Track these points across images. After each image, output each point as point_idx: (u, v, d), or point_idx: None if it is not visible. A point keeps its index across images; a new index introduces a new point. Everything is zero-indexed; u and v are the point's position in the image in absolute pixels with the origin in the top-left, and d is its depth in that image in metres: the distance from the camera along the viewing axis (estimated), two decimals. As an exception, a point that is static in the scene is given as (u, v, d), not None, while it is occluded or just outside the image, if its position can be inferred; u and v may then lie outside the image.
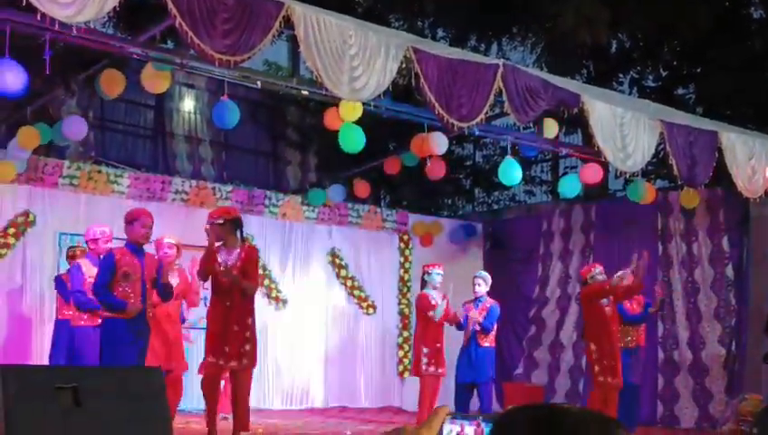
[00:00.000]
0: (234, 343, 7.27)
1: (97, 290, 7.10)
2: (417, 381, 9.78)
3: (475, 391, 9.79)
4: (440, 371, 9.69)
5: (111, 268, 6.97)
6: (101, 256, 7.67)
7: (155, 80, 8.32)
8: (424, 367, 9.50)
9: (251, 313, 7.45)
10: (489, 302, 10.20)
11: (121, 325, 6.87)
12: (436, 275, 9.93)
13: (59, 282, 9.10)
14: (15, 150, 9.76)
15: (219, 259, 7.42)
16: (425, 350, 9.62)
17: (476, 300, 10.19)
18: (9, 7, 6.96)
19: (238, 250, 7.50)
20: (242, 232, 7.77)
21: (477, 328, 9.80)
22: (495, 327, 10.11)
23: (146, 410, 4.75)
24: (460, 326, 9.86)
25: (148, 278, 7.12)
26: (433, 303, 9.58)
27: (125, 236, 7.47)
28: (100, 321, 7.47)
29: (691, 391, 11.49)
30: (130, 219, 7.17)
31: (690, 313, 11.72)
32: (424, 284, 9.99)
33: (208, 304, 7.62)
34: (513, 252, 14.33)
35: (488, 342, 10.02)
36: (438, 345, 9.68)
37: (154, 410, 4.79)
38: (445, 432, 1.35)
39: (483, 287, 10.19)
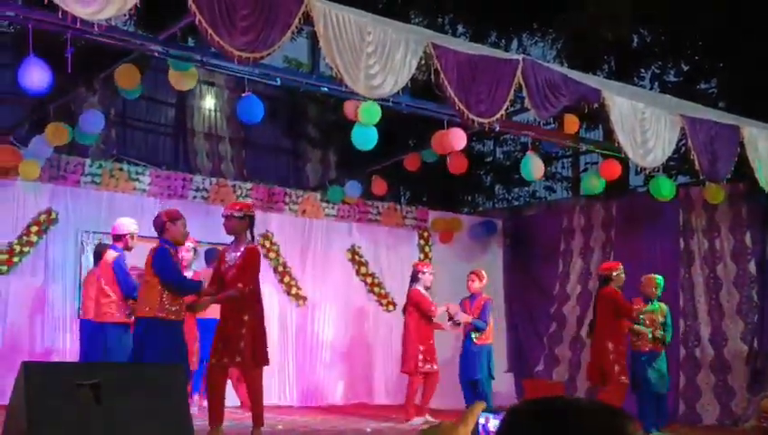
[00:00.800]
0: (228, 340, 7.25)
1: (181, 280, 7.25)
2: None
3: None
4: (435, 367, 9.95)
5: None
6: (155, 251, 7.40)
7: (182, 77, 8.36)
8: (420, 364, 9.73)
9: (248, 310, 7.36)
10: (483, 299, 10.29)
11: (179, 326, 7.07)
12: (429, 274, 10.35)
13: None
14: (38, 147, 9.82)
15: (226, 257, 7.44)
16: (420, 347, 9.87)
17: (471, 297, 10.31)
18: (32, 6, 7.01)
19: (243, 249, 7.48)
20: (252, 231, 7.77)
21: (470, 328, 10.10)
22: (492, 324, 10.31)
23: (166, 406, 4.78)
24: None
25: None
26: (431, 302, 10.14)
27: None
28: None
29: (713, 388, 11.41)
30: (174, 217, 7.30)
31: (712, 309, 11.63)
32: (415, 281, 10.20)
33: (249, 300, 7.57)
34: (533, 249, 14.29)
35: (483, 340, 10.12)
36: (431, 342, 9.99)
37: (175, 406, 4.82)
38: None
39: (477, 284, 10.35)
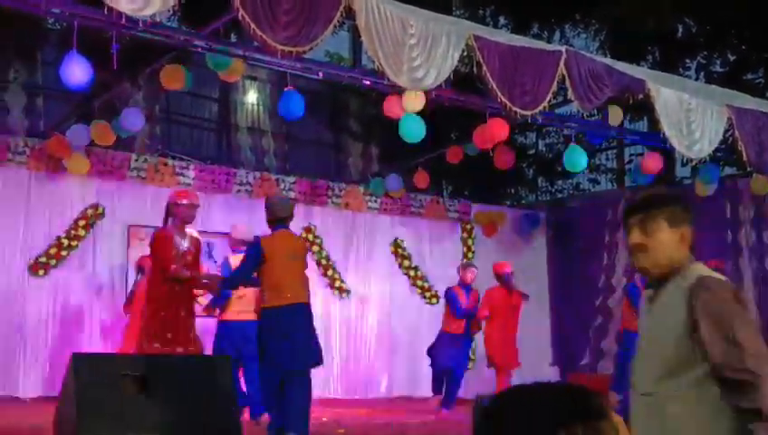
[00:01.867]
0: (180, 328, 6.93)
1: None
2: (483, 372, 9.91)
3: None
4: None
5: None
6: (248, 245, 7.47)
7: (230, 71, 8.43)
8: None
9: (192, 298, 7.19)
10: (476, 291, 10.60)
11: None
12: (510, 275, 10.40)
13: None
14: (78, 135, 9.95)
15: (174, 243, 7.12)
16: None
17: (465, 287, 10.38)
18: (78, 3, 7.10)
19: (188, 237, 7.26)
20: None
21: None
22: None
23: (212, 397, 4.83)
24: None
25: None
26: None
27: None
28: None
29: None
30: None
31: (761, 301, 11.46)
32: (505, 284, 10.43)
33: (149, 286, 7.27)
34: (577, 241, 14.19)
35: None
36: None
37: (220, 398, 4.86)
38: None
39: (471, 275, 10.60)
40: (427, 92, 8.06)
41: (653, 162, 10.19)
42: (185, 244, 7.08)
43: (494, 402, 1.32)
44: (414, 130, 8.73)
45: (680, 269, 2.72)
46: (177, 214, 7.13)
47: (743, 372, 2.49)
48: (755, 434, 2.42)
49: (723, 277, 2.72)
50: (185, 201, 7.15)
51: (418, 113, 8.68)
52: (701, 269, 2.73)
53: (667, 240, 2.72)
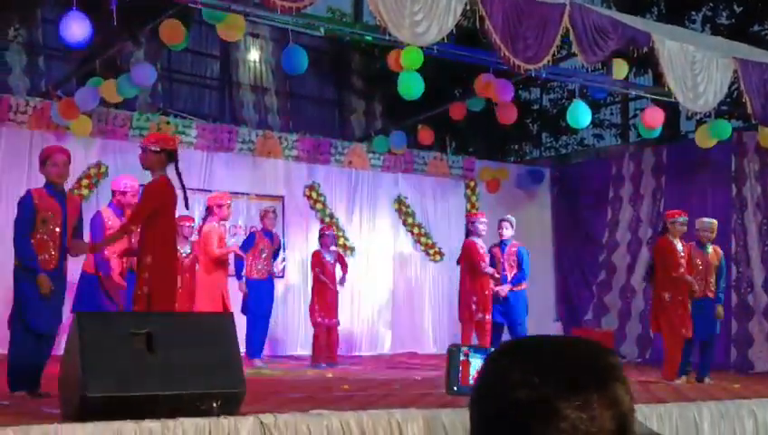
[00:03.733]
0: (130, 285, 6.71)
1: (17, 239, 6.36)
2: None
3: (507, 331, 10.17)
4: (488, 317, 9.92)
5: (31, 211, 6.31)
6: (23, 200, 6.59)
7: (230, 28, 8.35)
8: (476, 314, 9.90)
9: (152, 251, 6.27)
10: (515, 245, 10.33)
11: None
12: (480, 224, 10.24)
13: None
14: (86, 96, 9.90)
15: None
16: (474, 297, 9.86)
17: (502, 244, 10.27)
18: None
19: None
20: (177, 167, 6.62)
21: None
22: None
23: (217, 353, 4.85)
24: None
25: (70, 225, 6.49)
26: (482, 253, 10.01)
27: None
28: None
29: (766, 335, 11.28)
30: (42, 159, 6.52)
31: (765, 256, 11.45)
32: (469, 232, 10.19)
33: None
34: (581, 197, 14.16)
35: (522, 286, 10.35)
36: (486, 293, 9.94)
37: (225, 355, 4.88)
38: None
39: (509, 231, 10.30)
40: (429, 48, 8.00)
41: (654, 116, 10.10)
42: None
43: (493, 361, 1.25)
44: (413, 87, 8.66)
45: None
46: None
47: None
48: None
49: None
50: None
51: (420, 69, 8.62)
52: None
53: None
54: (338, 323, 10.62)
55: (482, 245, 10.23)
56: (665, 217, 9.48)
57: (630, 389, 1.21)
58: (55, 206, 6.38)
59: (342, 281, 10.73)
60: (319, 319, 10.38)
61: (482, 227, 10.27)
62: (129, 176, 8.71)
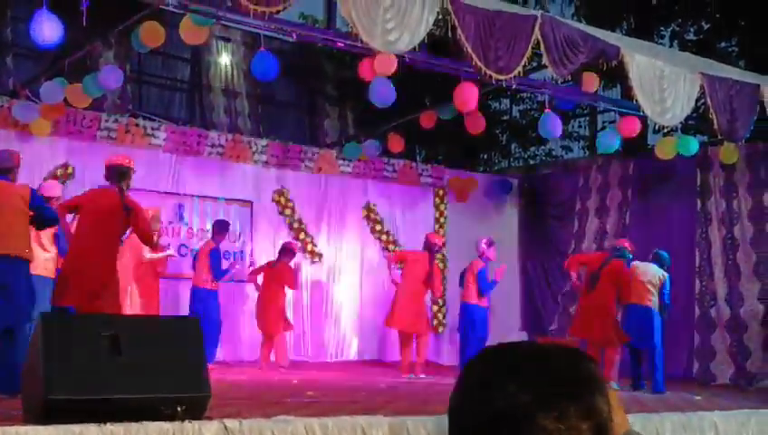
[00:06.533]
0: (91, 282, 6.94)
1: None
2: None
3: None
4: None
5: None
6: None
7: (193, 32, 8.30)
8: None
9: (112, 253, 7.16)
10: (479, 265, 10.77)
11: None
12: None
13: None
14: (50, 94, 9.81)
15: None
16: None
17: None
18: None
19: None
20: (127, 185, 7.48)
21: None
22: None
23: (183, 357, 4.82)
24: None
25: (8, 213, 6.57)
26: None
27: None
28: None
29: (728, 347, 11.41)
30: None
31: (729, 269, 11.59)
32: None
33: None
34: (549, 208, 14.26)
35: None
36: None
37: (190, 359, 4.86)
38: None
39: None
40: (400, 56, 8.02)
41: (630, 125, 10.20)
42: None
43: (472, 369, 1.24)
44: (384, 94, 8.68)
45: None
46: None
47: None
48: None
49: None
50: None
51: (392, 77, 8.64)
52: None
53: None
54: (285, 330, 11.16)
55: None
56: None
57: (609, 399, 1.20)
58: None
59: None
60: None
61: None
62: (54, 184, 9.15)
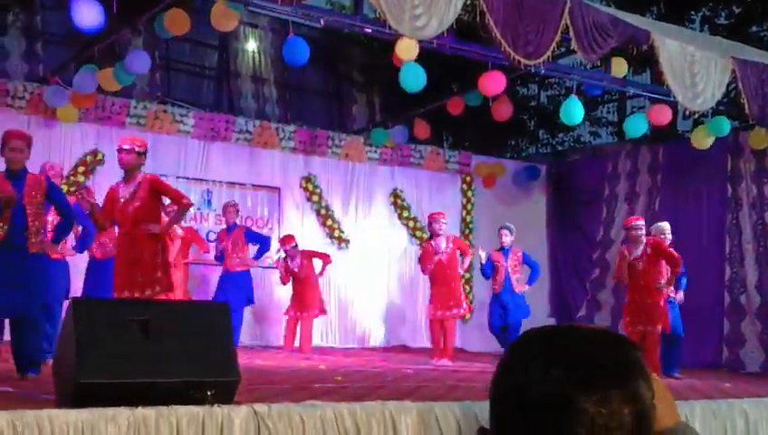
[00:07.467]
0: (146, 270, 6.90)
1: None
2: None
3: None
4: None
5: None
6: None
7: (224, 18, 8.31)
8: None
9: (158, 239, 7.01)
10: (518, 251, 10.59)
11: None
12: (435, 224, 10.46)
13: None
14: (82, 84, 9.86)
15: (120, 193, 7.02)
16: (432, 295, 10.45)
17: (503, 250, 10.39)
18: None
19: (140, 181, 7.02)
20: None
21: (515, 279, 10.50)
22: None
23: (213, 343, 4.85)
24: (486, 275, 10.59)
25: (30, 203, 6.44)
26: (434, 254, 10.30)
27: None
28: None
29: (758, 335, 11.31)
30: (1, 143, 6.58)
31: (760, 256, 11.47)
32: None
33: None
34: (577, 194, 14.18)
35: (523, 288, 10.58)
36: (445, 290, 10.27)
37: (220, 344, 4.88)
38: None
39: (509, 238, 10.50)
40: (427, 42, 7.99)
41: (660, 114, 10.11)
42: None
43: (515, 351, 1.24)
44: (414, 80, 8.65)
45: None
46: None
47: None
48: None
49: None
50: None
51: (420, 62, 8.61)
52: None
53: None
54: (314, 316, 11.08)
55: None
56: (624, 225, 9.73)
57: (652, 385, 1.20)
58: (9, 190, 6.35)
59: (321, 274, 11.23)
60: (291, 312, 10.95)
61: (438, 227, 10.42)
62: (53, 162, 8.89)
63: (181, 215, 7.64)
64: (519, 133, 16.84)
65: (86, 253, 8.71)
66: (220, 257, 10.80)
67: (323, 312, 11.24)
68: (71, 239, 8.39)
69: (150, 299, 6.76)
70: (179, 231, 9.72)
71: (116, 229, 7.47)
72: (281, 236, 11.45)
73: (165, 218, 7.50)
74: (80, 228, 8.18)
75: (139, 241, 6.93)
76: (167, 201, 7.39)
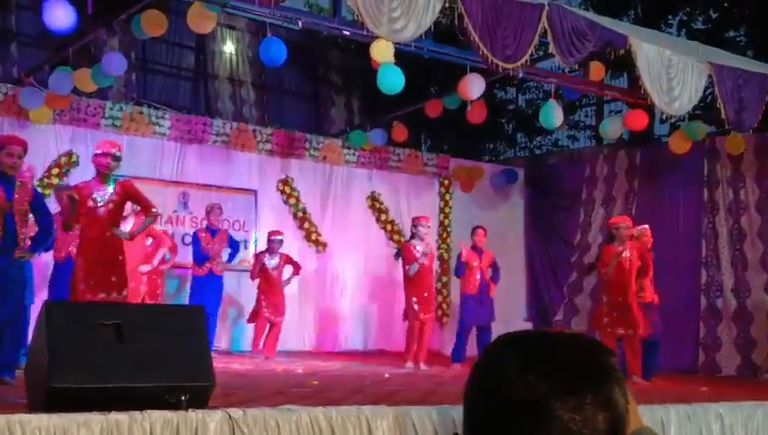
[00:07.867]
0: (120, 272, 7.02)
1: None
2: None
3: (477, 334, 10.51)
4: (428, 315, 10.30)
5: None
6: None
7: (200, 19, 8.25)
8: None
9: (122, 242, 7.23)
10: (490, 252, 10.69)
11: None
12: (422, 227, 10.35)
13: None
14: (58, 85, 9.76)
15: (94, 195, 7.02)
16: (414, 298, 10.20)
17: (477, 250, 10.58)
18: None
19: (115, 185, 7.12)
20: None
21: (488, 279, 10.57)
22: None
23: (187, 346, 4.80)
24: (457, 274, 10.76)
25: (18, 211, 6.41)
26: (417, 255, 10.16)
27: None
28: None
29: (734, 339, 11.37)
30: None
31: (735, 260, 11.54)
32: (412, 236, 10.43)
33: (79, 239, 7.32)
34: (555, 198, 14.21)
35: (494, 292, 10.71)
36: (426, 295, 10.26)
37: (194, 348, 4.83)
38: None
39: (484, 239, 10.65)
40: (405, 45, 7.97)
41: (637, 118, 10.15)
42: None
43: (490, 355, 1.23)
44: (392, 82, 8.63)
45: None
46: None
47: None
48: None
49: None
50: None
51: (398, 65, 8.60)
52: None
53: None
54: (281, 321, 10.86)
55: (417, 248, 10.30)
56: (608, 224, 9.74)
57: (626, 390, 1.19)
58: (1, 195, 6.29)
59: (288, 281, 10.99)
60: (266, 314, 10.67)
61: (423, 231, 10.37)
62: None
63: (149, 224, 7.73)
64: (497, 137, 16.87)
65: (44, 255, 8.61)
66: (203, 259, 10.65)
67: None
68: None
69: (125, 301, 6.76)
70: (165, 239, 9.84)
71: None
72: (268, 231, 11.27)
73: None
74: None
75: (111, 243, 7.04)
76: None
